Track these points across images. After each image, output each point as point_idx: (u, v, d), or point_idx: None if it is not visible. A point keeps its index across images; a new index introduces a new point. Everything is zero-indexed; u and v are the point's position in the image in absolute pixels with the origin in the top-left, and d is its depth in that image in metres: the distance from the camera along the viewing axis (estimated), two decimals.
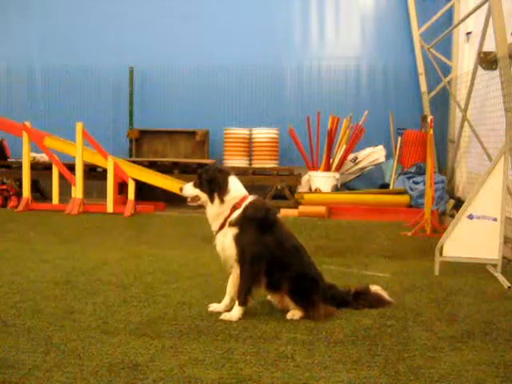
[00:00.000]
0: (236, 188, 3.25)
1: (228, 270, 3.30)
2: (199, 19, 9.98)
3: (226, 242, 3.20)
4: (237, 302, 3.18)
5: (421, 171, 8.25)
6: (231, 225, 3.18)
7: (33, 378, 2.31)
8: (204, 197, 3.25)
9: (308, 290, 3.21)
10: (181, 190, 3.34)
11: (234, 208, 3.19)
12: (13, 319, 3.05)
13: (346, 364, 2.52)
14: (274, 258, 3.18)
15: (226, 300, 3.30)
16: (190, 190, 3.30)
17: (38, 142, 7.99)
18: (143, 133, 9.92)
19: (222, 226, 3.22)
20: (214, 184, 3.21)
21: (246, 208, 3.19)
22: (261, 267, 3.16)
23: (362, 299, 3.42)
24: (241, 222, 3.17)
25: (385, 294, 3.48)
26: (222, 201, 3.18)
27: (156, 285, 3.87)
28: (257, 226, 3.18)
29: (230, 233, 3.18)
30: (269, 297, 3.44)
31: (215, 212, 3.22)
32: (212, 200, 3.21)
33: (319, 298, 3.21)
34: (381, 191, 8.69)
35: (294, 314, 3.18)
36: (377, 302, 3.43)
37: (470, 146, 8.37)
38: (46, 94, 10.46)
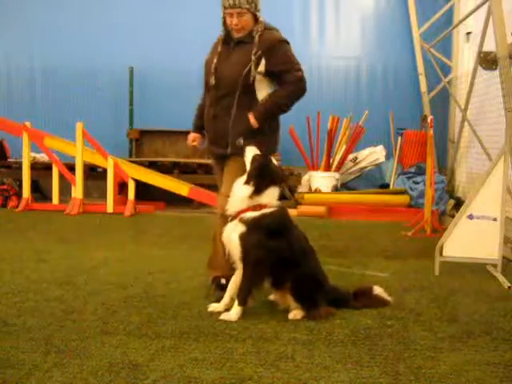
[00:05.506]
0: (270, 195, 3.21)
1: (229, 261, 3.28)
2: (199, 19, 9.96)
3: (232, 236, 3.19)
4: (236, 302, 3.18)
5: (421, 171, 8.25)
6: (242, 222, 3.17)
7: (33, 377, 2.31)
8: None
9: (311, 290, 3.21)
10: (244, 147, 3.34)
11: (254, 208, 3.17)
12: (13, 319, 3.05)
13: (346, 364, 2.52)
14: (280, 259, 3.16)
15: (226, 299, 3.29)
16: (249, 154, 3.28)
17: (38, 142, 7.99)
18: (143, 133, 9.91)
19: (235, 217, 3.20)
20: (263, 173, 3.19)
21: (263, 215, 3.16)
22: (264, 271, 3.15)
23: (361, 299, 3.42)
24: (251, 225, 3.15)
25: (384, 294, 3.48)
26: (252, 191, 3.16)
27: (156, 285, 3.87)
28: (266, 232, 3.16)
29: (238, 229, 3.17)
30: (270, 297, 3.44)
31: (237, 193, 3.21)
32: (248, 181, 3.18)
33: (322, 299, 3.21)
34: (381, 191, 8.69)
35: (296, 314, 3.18)
36: (377, 302, 3.43)
37: (470, 146, 8.37)
38: (45, 93, 10.46)
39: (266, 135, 3.58)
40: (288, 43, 3.60)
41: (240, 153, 3.41)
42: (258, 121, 3.48)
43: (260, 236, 3.14)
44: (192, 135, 3.90)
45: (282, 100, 3.56)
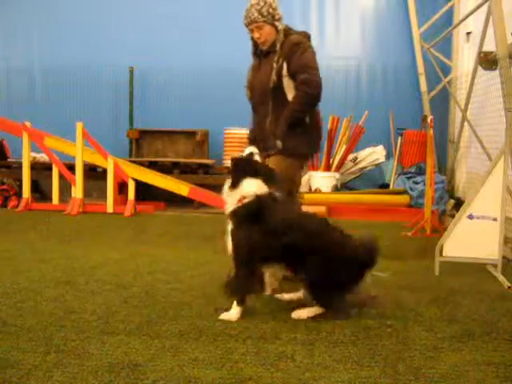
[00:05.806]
0: (248, 186, 3.19)
1: None
2: (199, 20, 9.98)
3: (228, 235, 3.23)
4: (235, 302, 3.17)
5: (421, 171, 8.25)
6: (228, 217, 3.22)
7: (33, 377, 2.31)
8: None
9: (326, 287, 3.09)
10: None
11: (239, 201, 3.19)
12: (13, 319, 3.05)
13: (346, 364, 2.52)
14: (277, 247, 3.09)
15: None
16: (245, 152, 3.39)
17: (38, 142, 7.99)
18: (143, 133, 9.92)
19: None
20: (237, 167, 3.25)
21: (239, 207, 3.18)
22: (253, 268, 3.12)
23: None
24: (234, 218, 3.18)
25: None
26: (229, 185, 3.22)
27: (156, 285, 3.87)
28: (244, 222, 3.14)
29: (229, 227, 3.22)
30: (266, 292, 3.46)
31: (226, 191, 3.27)
32: (228, 177, 3.26)
33: (339, 298, 3.15)
34: (381, 191, 8.69)
35: (300, 314, 3.15)
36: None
37: (470, 146, 8.37)
38: (45, 93, 10.46)
39: (301, 136, 3.73)
40: (308, 45, 3.82)
41: (279, 152, 3.67)
42: (281, 135, 3.65)
43: (243, 226, 3.13)
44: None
45: (295, 106, 3.70)
